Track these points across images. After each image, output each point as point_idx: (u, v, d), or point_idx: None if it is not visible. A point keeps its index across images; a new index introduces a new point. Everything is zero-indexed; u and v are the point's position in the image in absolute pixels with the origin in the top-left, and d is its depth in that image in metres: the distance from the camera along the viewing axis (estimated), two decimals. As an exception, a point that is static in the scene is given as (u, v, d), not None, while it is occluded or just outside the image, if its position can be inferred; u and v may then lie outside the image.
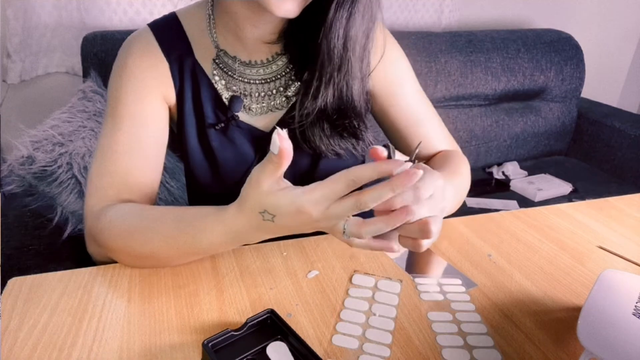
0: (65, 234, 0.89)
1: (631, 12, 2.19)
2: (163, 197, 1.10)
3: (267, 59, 0.69)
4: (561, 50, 1.76)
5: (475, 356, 0.48)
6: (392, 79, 0.75)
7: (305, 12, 0.59)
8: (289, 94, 0.70)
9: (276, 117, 0.71)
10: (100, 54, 1.23)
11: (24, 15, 1.33)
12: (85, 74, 1.24)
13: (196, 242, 0.54)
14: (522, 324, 0.53)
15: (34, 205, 0.91)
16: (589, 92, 1.91)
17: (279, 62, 0.69)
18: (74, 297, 0.54)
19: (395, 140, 0.79)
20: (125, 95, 0.66)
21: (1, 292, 0.54)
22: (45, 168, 0.94)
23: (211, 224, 0.52)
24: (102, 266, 0.60)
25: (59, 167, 0.95)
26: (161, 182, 1.10)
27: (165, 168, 1.11)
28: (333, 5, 0.59)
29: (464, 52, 1.60)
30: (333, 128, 0.68)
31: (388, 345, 0.49)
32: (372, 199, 0.44)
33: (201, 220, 0.53)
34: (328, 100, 0.66)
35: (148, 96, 0.67)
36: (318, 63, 0.64)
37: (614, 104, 2.27)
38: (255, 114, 0.70)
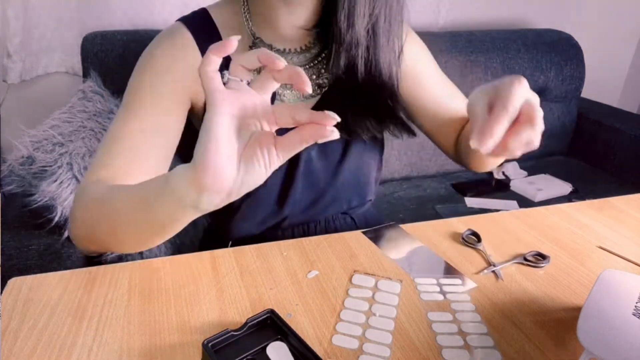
0: (65, 234, 0.89)
1: (631, 12, 2.19)
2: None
3: (301, 47, 0.71)
4: (561, 50, 1.76)
5: (475, 356, 0.48)
6: (414, 61, 0.79)
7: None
8: (321, 82, 0.72)
9: (309, 105, 0.71)
10: (100, 54, 1.23)
11: (24, 15, 1.33)
12: (85, 74, 1.24)
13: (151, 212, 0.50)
14: (522, 324, 0.53)
15: (34, 205, 0.91)
16: (589, 92, 1.90)
17: (313, 51, 0.72)
18: (74, 297, 0.54)
19: (430, 120, 0.83)
20: (146, 85, 0.65)
21: (1, 292, 0.54)
22: (45, 168, 0.94)
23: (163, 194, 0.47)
24: (102, 266, 0.60)
25: (59, 167, 0.95)
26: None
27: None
28: None
29: (464, 52, 1.60)
30: (368, 108, 0.71)
31: (388, 346, 0.49)
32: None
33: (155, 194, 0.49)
34: (359, 70, 0.68)
35: (170, 88, 0.66)
36: (346, 39, 0.66)
37: (614, 104, 2.27)
38: (288, 101, 0.71)
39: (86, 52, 1.24)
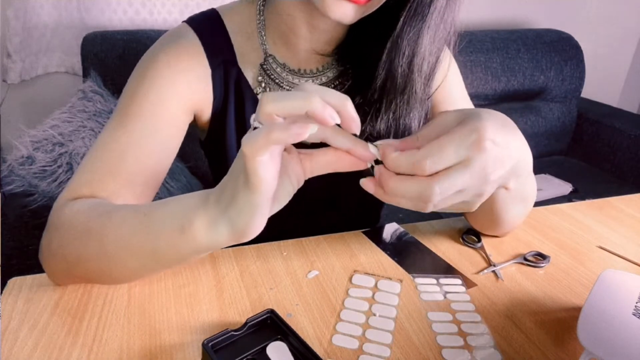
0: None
1: (631, 13, 2.19)
2: (163, 198, 1.10)
3: (317, 68, 0.65)
4: (561, 50, 1.76)
5: (475, 356, 0.48)
6: (445, 89, 0.74)
7: (365, 26, 0.57)
8: None
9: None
10: (100, 54, 1.23)
11: (24, 15, 1.33)
12: (85, 74, 1.24)
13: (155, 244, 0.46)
14: (522, 324, 0.53)
15: (33, 205, 0.91)
16: (589, 92, 1.91)
17: (329, 74, 0.65)
18: (74, 297, 0.54)
19: None
20: (143, 93, 0.58)
21: (1, 292, 0.54)
22: (45, 168, 0.94)
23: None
24: (102, 266, 0.60)
25: (59, 167, 0.95)
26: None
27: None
28: (400, 22, 0.56)
29: (464, 52, 1.61)
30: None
31: (388, 345, 0.49)
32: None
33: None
34: (389, 124, 0.61)
35: (171, 101, 0.59)
36: (378, 83, 0.59)
37: (614, 104, 2.27)
38: None
39: (86, 52, 1.24)
